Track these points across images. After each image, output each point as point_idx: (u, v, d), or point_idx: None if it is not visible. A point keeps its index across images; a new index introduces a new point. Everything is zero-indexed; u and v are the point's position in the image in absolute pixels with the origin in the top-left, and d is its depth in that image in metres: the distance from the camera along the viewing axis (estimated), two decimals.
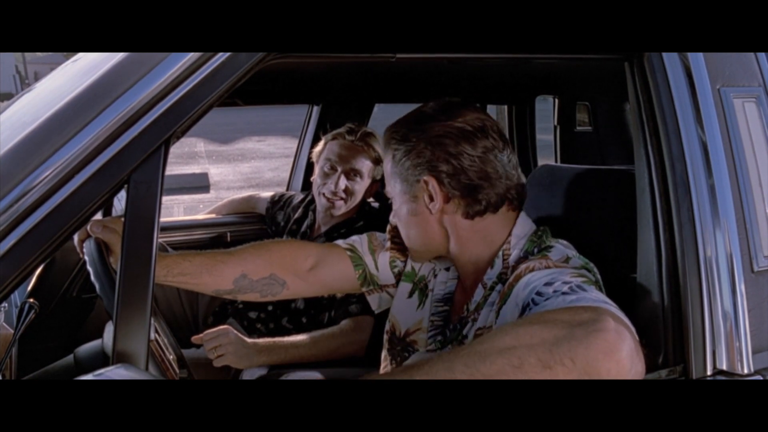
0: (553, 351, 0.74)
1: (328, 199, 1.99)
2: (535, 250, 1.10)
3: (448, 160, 1.10)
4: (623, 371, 0.75)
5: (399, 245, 1.33)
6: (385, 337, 1.32)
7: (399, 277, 1.33)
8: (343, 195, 1.98)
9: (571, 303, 0.87)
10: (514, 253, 1.11)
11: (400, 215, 1.20)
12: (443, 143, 1.11)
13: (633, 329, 0.81)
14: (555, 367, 0.73)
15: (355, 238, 1.37)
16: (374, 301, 1.36)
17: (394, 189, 1.19)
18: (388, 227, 1.37)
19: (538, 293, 0.93)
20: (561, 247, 1.08)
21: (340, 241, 1.37)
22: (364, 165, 1.99)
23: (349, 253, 1.33)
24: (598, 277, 1.04)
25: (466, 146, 1.10)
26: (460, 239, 1.15)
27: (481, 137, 1.11)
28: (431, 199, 1.13)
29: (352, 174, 1.98)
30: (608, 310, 0.80)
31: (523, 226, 1.14)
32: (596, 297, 0.88)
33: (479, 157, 1.11)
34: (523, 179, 1.17)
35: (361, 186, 2.01)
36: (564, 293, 0.90)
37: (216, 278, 1.24)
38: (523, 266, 1.04)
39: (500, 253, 1.13)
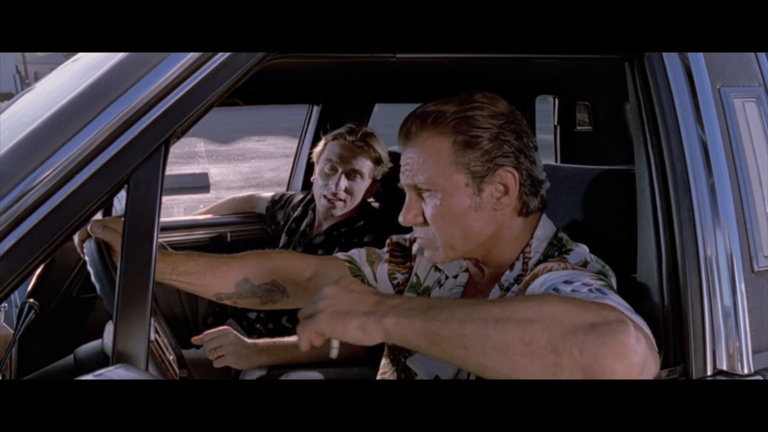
0: (567, 338, 0.74)
1: (328, 200, 1.99)
2: (556, 253, 1.09)
3: (521, 150, 1.08)
4: (631, 375, 0.75)
5: (398, 258, 1.33)
6: (386, 346, 1.32)
7: (398, 288, 1.32)
8: (344, 196, 1.98)
9: (596, 299, 0.86)
10: (535, 257, 1.10)
11: (449, 212, 1.07)
12: (507, 135, 1.07)
13: (652, 339, 0.81)
14: (562, 354, 0.73)
15: (353, 250, 1.37)
16: None
17: (446, 181, 1.07)
18: (388, 241, 1.37)
19: (556, 289, 0.92)
20: (580, 251, 1.08)
21: (339, 254, 1.37)
22: (365, 165, 1.99)
23: (347, 264, 1.33)
24: (614, 282, 1.04)
25: (523, 138, 1.09)
26: (499, 238, 1.11)
27: (526, 128, 1.11)
28: (505, 192, 1.08)
29: (352, 174, 1.98)
30: (631, 318, 0.80)
31: (545, 228, 1.14)
32: (619, 301, 0.88)
33: (533, 149, 1.11)
34: None
35: (361, 186, 2.01)
36: (584, 293, 0.89)
37: (219, 279, 1.24)
38: (541, 266, 1.04)
39: (521, 255, 1.12)
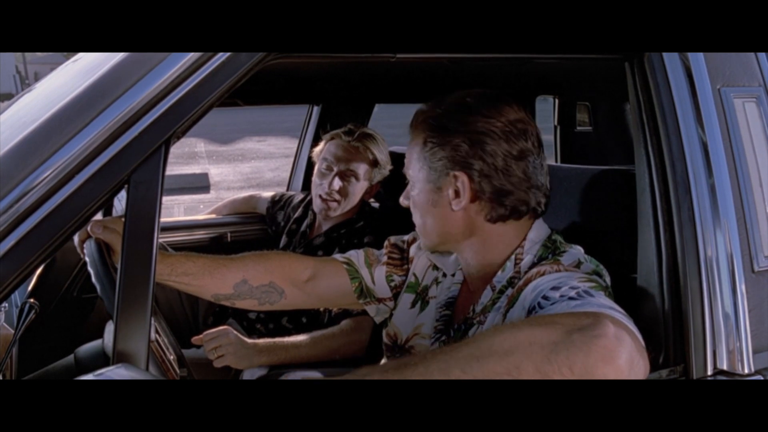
0: (551, 359, 0.74)
1: (323, 200, 1.99)
2: (549, 255, 1.09)
3: (483, 158, 1.07)
4: (621, 377, 0.75)
5: (395, 261, 1.34)
6: (385, 348, 1.32)
7: (396, 290, 1.33)
8: (337, 196, 1.97)
9: (575, 308, 0.86)
10: (527, 258, 1.10)
11: (417, 202, 1.17)
12: (482, 141, 1.07)
13: (637, 334, 0.81)
14: (553, 376, 0.74)
15: (352, 252, 1.37)
16: (372, 310, 1.36)
17: (416, 174, 1.15)
18: (386, 243, 1.37)
19: (545, 297, 0.92)
20: (574, 252, 1.08)
21: (337, 255, 1.38)
22: (360, 166, 1.98)
23: (345, 266, 1.33)
24: (608, 281, 1.04)
25: (504, 146, 1.07)
26: (476, 240, 1.13)
27: (520, 139, 1.08)
28: (457, 195, 1.10)
29: (346, 175, 1.97)
30: (609, 315, 0.80)
31: (539, 231, 1.14)
32: (601, 302, 0.88)
33: (515, 159, 1.07)
34: (548, 187, 1.15)
35: (356, 188, 2.00)
36: (570, 298, 0.89)
37: (217, 281, 1.24)
38: (534, 271, 1.04)
39: (513, 256, 1.12)
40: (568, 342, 0.74)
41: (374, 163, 2.01)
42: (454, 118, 1.10)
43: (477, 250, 1.14)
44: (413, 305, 1.28)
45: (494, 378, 0.74)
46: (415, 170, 1.15)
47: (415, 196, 1.17)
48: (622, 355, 0.75)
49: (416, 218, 1.19)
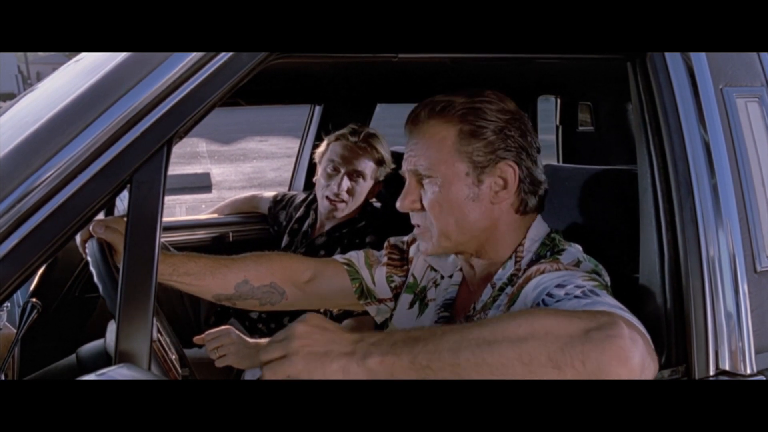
0: (566, 351, 0.73)
1: (330, 201, 1.99)
2: (548, 254, 1.09)
3: (527, 148, 1.10)
4: (633, 378, 0.75)
5: (395, 261, 1.34)
6: None
7: (396, 291, 1.33)
8: (346, 197, 1.98)
9: (586, 306, 0.86)
10: (527, 256, 1.11)
11: (447, 198, 1.08)
12: (524, 130, 1.11)
13: (647, 336, 0.81)
14: (565, 369, 0.73)
15: (352, 253, 1.37)
16: (373, 311, 1.36)
17: (448, 170, 1.07)
18: (386, 244, 1.37)
19: (549, 294, 0.92)
20: (572, 251, 1.08)
21: (337, 256, 1.38)
22: (367, 166, 1.99)
23: (345, 267, 1.33)
24: (608, 280, 1.04)
25: (533, 137, 1.12)
26: (494, 234, 1.12)
27: (535, 135, 1.13)
28: (504, 186, 1.09)
29: (354, 175, 1.98)
30: (622, 316, 0.80)
31: (538, 228, 1.14)
32: (611, 302, 0.88)
33: (537, 151, 1.13)
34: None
35: (363, 187, 2.01)
36: (577, 296, 0.89)
37: (219, 281, 1.24)
38: (533, 269, 1.04)
39: (513, 254, 1.12)
40: (584, 337, 0.74)
41: (380, 162, 2.02)
42: (486, 109, 1.09)
43: (487, 249, 1.14)
44: (411, 306, 1.29)
45: (505, 365, 0.73)
46: (448, 165, 1.08)
47: (442, 193, 1.08)
48: (635, 357, 0.75)
49: (437, 218, 1.10)
